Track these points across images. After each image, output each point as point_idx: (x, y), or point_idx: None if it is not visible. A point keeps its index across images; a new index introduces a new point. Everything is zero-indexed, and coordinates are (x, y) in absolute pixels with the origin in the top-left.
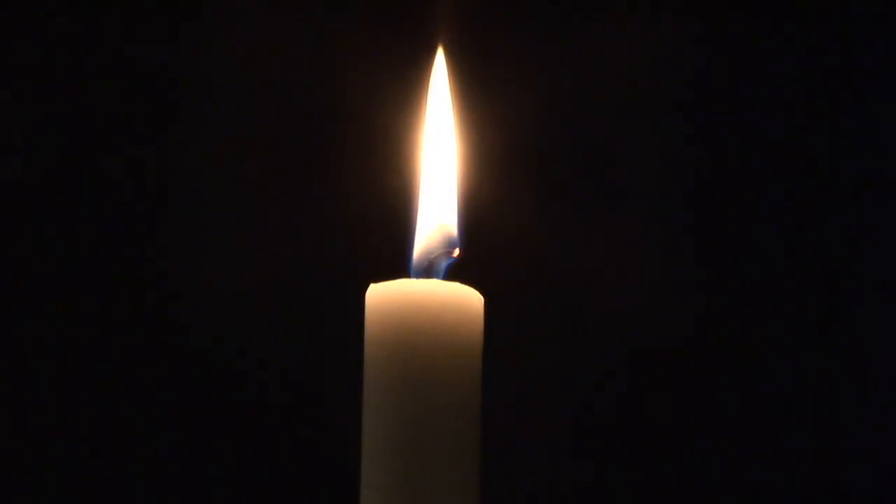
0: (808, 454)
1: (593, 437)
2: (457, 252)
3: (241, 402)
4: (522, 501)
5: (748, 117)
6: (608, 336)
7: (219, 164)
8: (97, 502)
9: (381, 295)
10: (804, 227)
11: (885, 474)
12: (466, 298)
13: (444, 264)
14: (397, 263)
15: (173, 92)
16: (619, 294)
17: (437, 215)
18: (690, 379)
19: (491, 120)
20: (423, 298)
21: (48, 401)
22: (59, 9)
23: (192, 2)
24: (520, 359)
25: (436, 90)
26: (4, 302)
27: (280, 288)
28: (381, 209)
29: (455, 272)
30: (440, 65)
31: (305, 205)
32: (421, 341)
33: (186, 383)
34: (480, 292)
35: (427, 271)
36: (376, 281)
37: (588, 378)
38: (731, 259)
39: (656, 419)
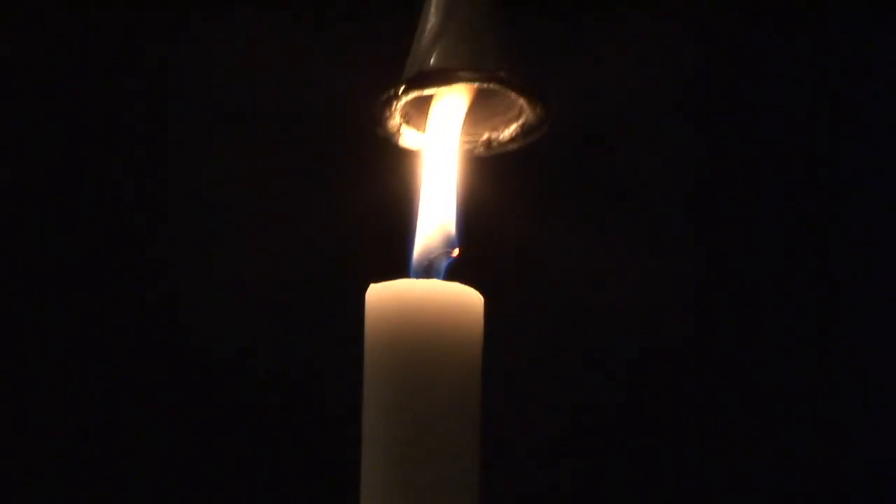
0: (808, 454)
1: (593, 437)
2: (456, 252)
3: (241, 401)
4: (522, 501)
5: (749, 117)
6: (608, 336)
7: (219, 164)
8: (97, 502)
9: (381, 295)
10: (804, 227)
11: (885, 474)
12: (466, 298)
13: (444, 264)
14: (397, 263)
15: (173, 92)
16: (619, 294)
17: (437, 215)
18: (691, 379)
19: None
20: (423, 298)
21: (49, 400)
22: (59, 9)
23: (191, 2)
24: (520, 359)
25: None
26: (5, 302)
27: (280, 288)
28: (381, 209)
29: (455, 272)
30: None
31: (305, 205)
32: (421, 341)
33: (187, 383)
34: (480, 292)
35: (427, 271)
36: (376, 281)
37: (588, 378)
38: (731, 259)
39: (656, 419)
